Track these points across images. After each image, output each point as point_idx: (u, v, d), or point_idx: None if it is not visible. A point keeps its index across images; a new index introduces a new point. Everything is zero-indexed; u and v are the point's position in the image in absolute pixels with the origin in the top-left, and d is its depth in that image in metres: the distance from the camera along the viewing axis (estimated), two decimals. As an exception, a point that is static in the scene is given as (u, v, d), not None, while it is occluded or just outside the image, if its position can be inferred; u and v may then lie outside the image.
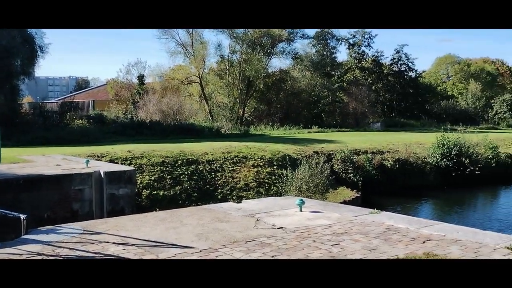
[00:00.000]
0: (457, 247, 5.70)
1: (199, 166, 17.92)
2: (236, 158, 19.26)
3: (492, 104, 56.68)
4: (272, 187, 17.76)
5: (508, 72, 75.57)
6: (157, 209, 11.67)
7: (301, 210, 7.84)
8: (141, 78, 40.54)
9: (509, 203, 20.15)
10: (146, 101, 32.39)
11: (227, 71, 40.42)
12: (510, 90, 67.42)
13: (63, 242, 6.13)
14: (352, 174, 20.63)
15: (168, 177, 16.68)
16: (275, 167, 19.11)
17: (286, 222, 7.09)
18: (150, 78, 42.63)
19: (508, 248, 5.65)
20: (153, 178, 16.35)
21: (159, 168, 16.94)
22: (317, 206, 8.40)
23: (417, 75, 57.96)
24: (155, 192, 15.80)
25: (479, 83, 60.90)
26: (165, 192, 15.94)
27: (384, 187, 20.88)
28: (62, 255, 5.56)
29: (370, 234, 6.27)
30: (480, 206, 20.71)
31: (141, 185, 15.70)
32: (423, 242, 5.90)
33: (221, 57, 41.30)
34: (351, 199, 17.71)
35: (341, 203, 15.96)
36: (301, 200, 8.10)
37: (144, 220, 7.40)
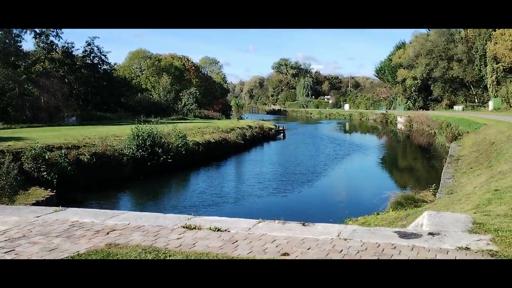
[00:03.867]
0: (139, 233, 5.93)
1: None
2: None
3: (181, 97, 62.14)
4: None
5: (193, 67, 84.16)
6: None
7: (-30, 219, 6.79)
8: None
9: (193, 186, 22.47)
10: None
11: None
12: (195, 84, 75.21)
13: None
14: (45, 172, 19.36)
15: None
16: None
17: None
18: None
19: (183, 227, 6.21)
20: None
21: None
22: (-8, 211, 7.44)
23: (111, 68, 58.50)
24: None
25: (170, 77, 65.78)
26: None
27: (83, 182, 20.39)
28: None
29: (52, 234, 5.92)
30: (171, 192, 22.43)
31: None
32: (107, 234, 5.91)
33: None
34: (45, 198, 16.62)
35: (34, 204, 14.78)
36: (-29, 207, 7.03)
37: None
